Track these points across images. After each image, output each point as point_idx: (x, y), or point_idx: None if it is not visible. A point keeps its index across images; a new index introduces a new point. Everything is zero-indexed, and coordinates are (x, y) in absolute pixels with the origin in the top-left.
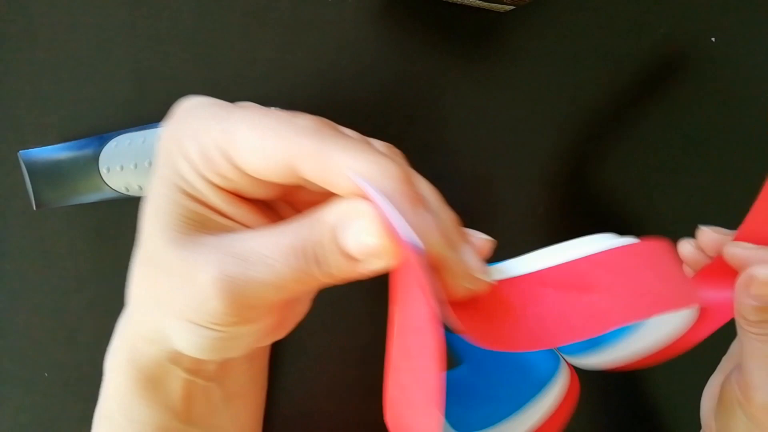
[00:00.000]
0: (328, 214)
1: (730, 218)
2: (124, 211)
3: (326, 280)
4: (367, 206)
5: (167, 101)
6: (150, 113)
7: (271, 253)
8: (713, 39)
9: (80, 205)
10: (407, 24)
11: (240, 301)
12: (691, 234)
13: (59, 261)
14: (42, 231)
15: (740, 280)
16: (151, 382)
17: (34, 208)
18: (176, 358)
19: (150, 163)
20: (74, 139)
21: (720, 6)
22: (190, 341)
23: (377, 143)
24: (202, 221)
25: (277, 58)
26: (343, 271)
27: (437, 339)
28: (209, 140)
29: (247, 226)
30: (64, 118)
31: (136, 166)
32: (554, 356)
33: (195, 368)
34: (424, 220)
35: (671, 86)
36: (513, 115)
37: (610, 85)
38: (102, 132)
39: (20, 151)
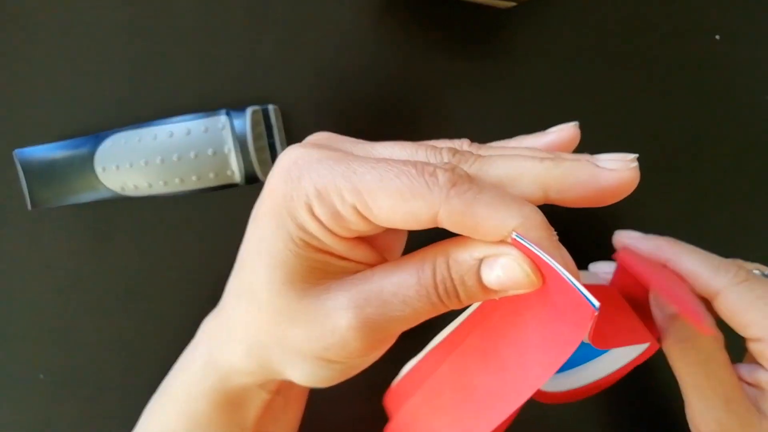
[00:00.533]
0: (468, 254)
1: (730, 218)
2: (120, 211)
3: (455, 308)
4: (508, 248)
5: (164, 100)
6: (146, 112)
7: (409, 291)
8: (717, 37)
9: (75, 204)
10: (408, 22)
11: (378, 338)
12: (690, 234)
13: (54, 260)
14: (37, 230)
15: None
16: (235, 405)
17: (29, 208)
18: (268, 384)
19: (146, 163)
20: (70, 137)
21: (724, 4)
22: (315, 375)
23: (456, 143)
24: (325, 268)
25: (277, 57)
26: (473, 300)
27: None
28: (339, 201)
29: (360, 263)
30: (60, 117)
31: (131, 165)
32: None
33: (278, 388)
34: (564, 257)
35: (674, 84)
36: (514, 112)
37: (612, 83)
38: (97, 131)
39: (15, 150)
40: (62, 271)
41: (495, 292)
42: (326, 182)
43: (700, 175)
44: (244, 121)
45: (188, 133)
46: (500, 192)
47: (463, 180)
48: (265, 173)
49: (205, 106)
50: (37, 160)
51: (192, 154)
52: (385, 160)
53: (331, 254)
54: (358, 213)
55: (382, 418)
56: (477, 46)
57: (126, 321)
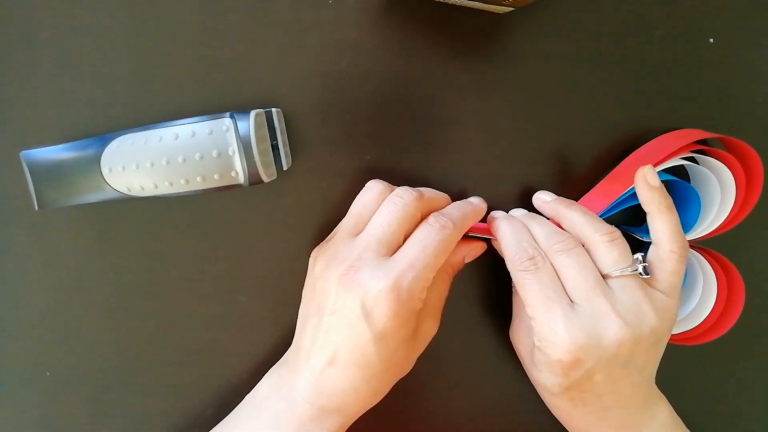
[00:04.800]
0: (458, 256)
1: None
2: (126, 212)
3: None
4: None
5: (168, 102)
6: (151, 114)
7: (445, 290)
8: (711, 40)
9: (82, 205)
10: (407, 25)
11: None
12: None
13: (61, 261)
14: (44, 231)
15: None
16: None
17: (36, 208)
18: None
19: (152, 164)
20: (76, 139)
21: (718, 7)
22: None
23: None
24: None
25: (278, 58)
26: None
27: None
28: (430, 281)
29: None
30: (66, 119)
31: (137, 166)
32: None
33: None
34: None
35: (670, 87)
36: (513, 115)
37: (608, 87)
38: (104, 132)
39: (22, 152)
40: (68, 270)
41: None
42: (421, 285)
43: None
44: (248, 124)
45: (193, 135)
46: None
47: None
48: (269, 175)
49: (208, 109)
50: (43, 161)
51: (197, 156)
52: (418, 243)
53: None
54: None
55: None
56: (476, 49)
57: (131, 320)
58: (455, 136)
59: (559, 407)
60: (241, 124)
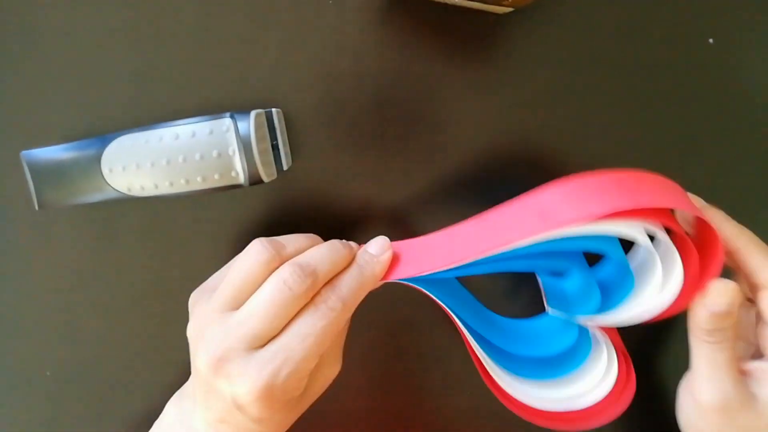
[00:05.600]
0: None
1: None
2: (126, 212)
3: None
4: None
5: (168, 102)
6: (151, 114)
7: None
8: (711, 41)
9: (82, 205)
10: (407, 26)
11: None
12: None
13: (61, 260)
14: (44, 231)
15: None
16: None
17: (36, 209)
18: None
19: (153, 164)
20: (76, 139)
21: (718, 8)
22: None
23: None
24: None
25: (278, 59)
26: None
27: None
28: (308, 372)
29: None
30: (66, 119)
31: (138, 166)
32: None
33: None
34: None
35: (669, 88)
36: (512, 116)
37: (608, 87)
38: (104, 132)
39: (22, 152)
40: (69, 270)
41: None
42: (293, 385)
43: (694, 178)
44: (248, 124)
45: (193, 135)
46: None
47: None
48: (269, 175)
49: (208, 109)
50: (44, 161)
51: (197, 156)
52: (292, 333)
53: None
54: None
55: (382, 414)
56: (475, 50)
57: (132, 320)
58: (455, 136)
59: None
60: (241, 124)
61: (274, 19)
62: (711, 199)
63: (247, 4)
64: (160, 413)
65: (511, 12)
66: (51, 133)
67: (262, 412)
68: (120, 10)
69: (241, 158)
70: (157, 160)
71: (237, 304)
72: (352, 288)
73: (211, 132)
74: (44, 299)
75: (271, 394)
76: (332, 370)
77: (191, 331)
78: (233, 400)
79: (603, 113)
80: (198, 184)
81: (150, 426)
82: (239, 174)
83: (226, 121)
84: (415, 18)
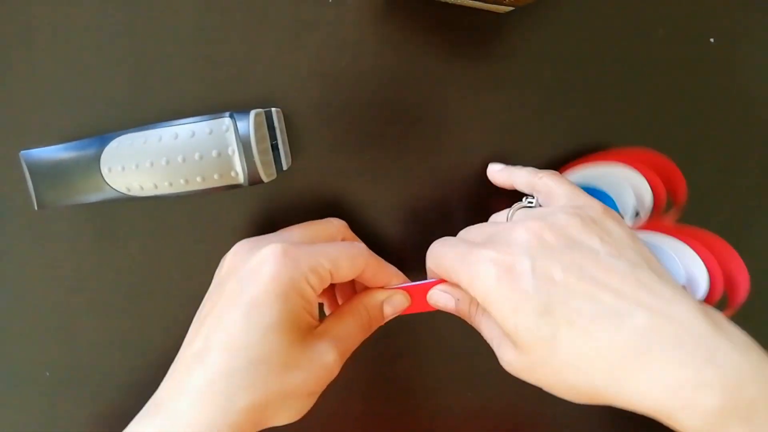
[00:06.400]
0: (376, 299)
1: (729, 218)
2: (125, 212)
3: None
4: (395, 290)
5: (167, 101)
6: (150, 114)
7: (356, 331)
8: (712, 40)
9: (81, 204)
10: (407, 25)
11: (344, 361)
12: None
13: (60, 260)
14: (43, 231)
15: None
16: None
17: (35, 208)
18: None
19: (152, 164)
20: (75, 139)
21: (719, 7)
22: (303, 409)
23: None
24: (306, 324)
25: (278, 58)
26: (381, 323)
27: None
28: (325, 273)
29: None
30: (65, 119)
31: (137, 166)
32: None
33: None
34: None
35: (670, 86)
36: (513, 114)
37: (608, 86)
38: (102, 132)
39: (21, 152)
40: (68, 270)
41: (388, 316)
42: (314, 262)
43: (696, 175)
44: (248, 124)
45: (192, 135)
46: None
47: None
48: (269, 175)
49: (208, 109)
50: (43, 161)
51: (196, 156)
52: (333, 243)
53: (310, 314)
54: (332, 275)
55: (381, 414)
56: (476, 49)
57: (130, 320)
58: (455, 135)
59: None
60: (241, 124)
61: (274, 18)
62: (711, 198)
63: (246, 4)
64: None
65: (511, 11)
66: (50, 133)
67: (271, 272)
68: (119, 10)
69: (240, 158)
70: (156, 159)
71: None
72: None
73: (210, 132)
74: (43, 299)
75: (287, 256)
76: (333, 356)
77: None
78: (253, 263)
79: (603, 112)
80: (197, 184)
81: None
82: (239, 174)
83: (226, 121)
84: (415, 17)
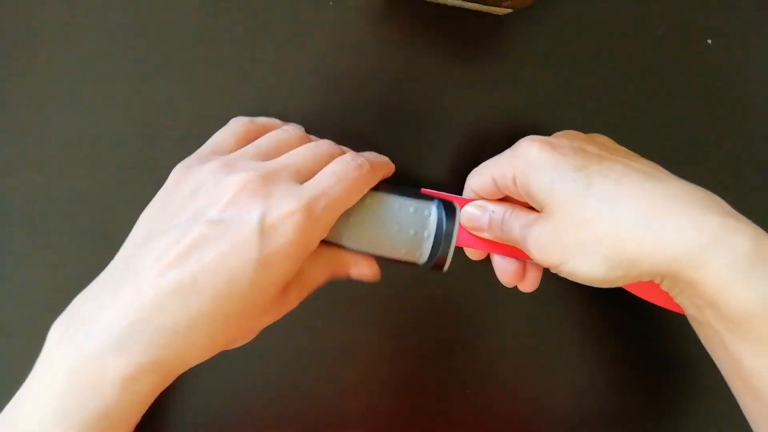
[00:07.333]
0: (345, 260)
1: None
2: (125, 212)
3: None
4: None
5: (167, 101)
6: (151, 113)
7: (323, 279)
8: (709, 41)
9: (81, 204)
10: (407, 27)
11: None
12: None
13: (61, 260)
14: (44, 230)
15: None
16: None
17: None
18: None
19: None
20: (76, 139)
21: (716, 8)
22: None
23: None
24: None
25: (278, 59)
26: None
27: None
28: (334, 221)
29: None
30: (65, 119)
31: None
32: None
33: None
34: None
35: (668, 87)
36: (512, 117)
37: (606, 88)
38: (102, 132)
39: None
40: (69, 270)
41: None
42: (331, 221)
43: (692, 177)
44: (455, 220)
45: (399, 208)
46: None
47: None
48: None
49: (208, 109)
50: None
51: (395, 227)
52: (336, 179)
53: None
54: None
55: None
56: (475, 51)
57: None
58: (454, 136)
59: None
60: (440, 211)
61: (274, 18)
62: None
63: (246, 5)
64: (159, 413)
65: (510, 13)
66: (50, 133)
67: (289, 236)
68: (119, 10)
69: (429, 243)
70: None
71: (267, 155)
72: (373, 157)
73: (414, 211)
74: (44, 299)
75: (308, 216)
76: (296, 297)
77: (196, 178)
78: (262, 218)
79: (602, 114)
80: (383, 250)
81: (150, 427)
82: (422, 256)
83: (433, 208)
84: (415, 19)
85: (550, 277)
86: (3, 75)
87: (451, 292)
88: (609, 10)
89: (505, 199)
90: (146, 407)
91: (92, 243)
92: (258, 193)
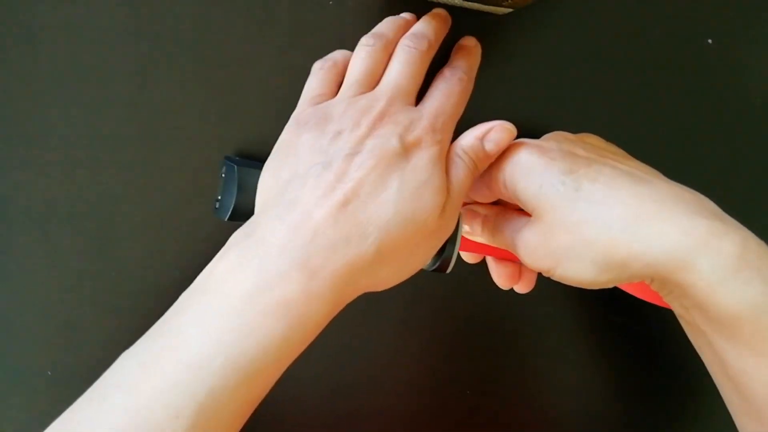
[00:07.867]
0: (469, 139)
1: None
2: (126, 212)
3: (483, 168)
4: (492, 122)
5: (167, 101)
6: (151, 113)
7: (469, 182)
8: (709, 41)
9: (81, 204)
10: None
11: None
12: None
13: (62, 260)
14: (45, 230)
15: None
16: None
17: (225, 220)
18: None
19: None
20: (75, 138)
21: (716, 8)
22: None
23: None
24: None
25: (278, 59)
26: (488, 161)
27: None
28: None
29: None
30: (65, 119)
31: None
32: None
33: None
34: None
35: (668, 87)
36: (511, 117)
37: (607, 88)
38: (102, 132)
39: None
40: (70, 269)
41: (495, 152)
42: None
43: (692, 177)
44: (458, 223)
45: None
46: None
47: None
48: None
49: (208, 109)
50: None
51: None
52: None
53: None
54: None
55: (381, 414)
56: None
57: (133, 319)
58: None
59: None
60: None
61: (274, 19)
62: (710, 198)
63: (246, 4)
64: None
65: (510, 13)
66: (49, 133)
67: (429, 144)
68: (119, 10)
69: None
70: None
71: (369, 86)
72: (466, 63)
73: None
74: (44, 298)
75: (434, 130)
76: (454, 210)
77: (323, 129)
78: (401, 139)
79: (602, 114)
80: None
81: None
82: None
83: None
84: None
85: (550, 278)
86: (3, 75)
87: (451, 292)
88: (609, 10)
89: (499, 203)
90: (319, 330)
91: (92, 243)
92: (388, 123)
